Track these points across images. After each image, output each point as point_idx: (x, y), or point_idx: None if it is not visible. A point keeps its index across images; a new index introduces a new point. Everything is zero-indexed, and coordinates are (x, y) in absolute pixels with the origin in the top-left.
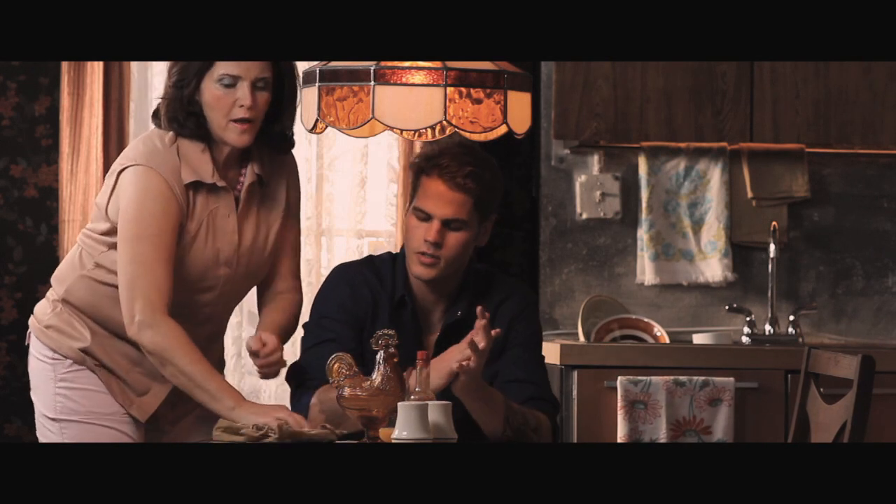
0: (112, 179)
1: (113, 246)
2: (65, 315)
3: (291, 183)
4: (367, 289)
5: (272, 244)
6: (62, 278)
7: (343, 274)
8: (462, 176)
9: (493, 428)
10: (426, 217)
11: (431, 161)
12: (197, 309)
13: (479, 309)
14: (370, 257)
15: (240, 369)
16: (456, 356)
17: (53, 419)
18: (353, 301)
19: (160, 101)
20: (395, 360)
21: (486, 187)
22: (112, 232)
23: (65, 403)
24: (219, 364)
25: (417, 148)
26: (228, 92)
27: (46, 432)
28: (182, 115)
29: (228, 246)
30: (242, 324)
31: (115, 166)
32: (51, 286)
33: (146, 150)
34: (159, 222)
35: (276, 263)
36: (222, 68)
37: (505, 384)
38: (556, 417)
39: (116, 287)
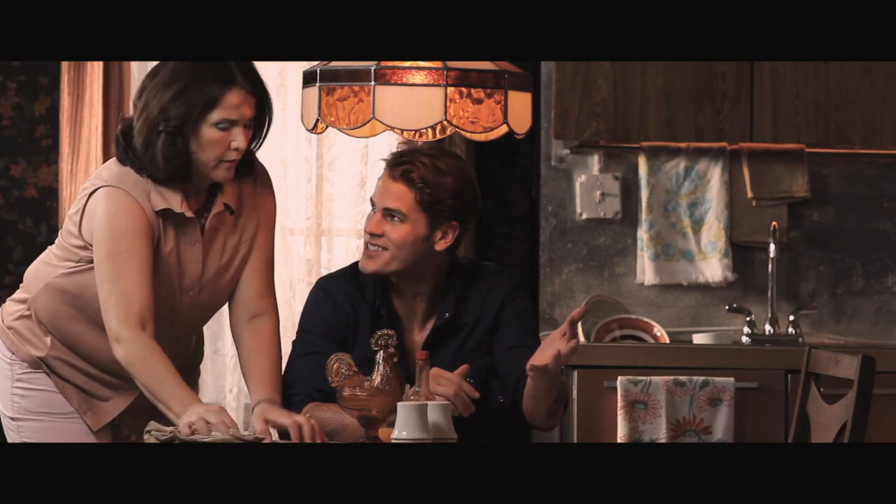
0: (83, 198)
1: (83, 261)
2: (29, 322)
3: (262, 199)
4: (348, 302)
5: (238, 269)
6: (30, 284)
7: (326, 287)
8: (403, 168)
9: (544, 408)
10: (372, 207)
11: (389, 157)
12: (161, 332)
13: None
14: (354, 266)
15: (240, 369)
16: (555, 345)
17: (11, 418)
18: (335, 315)
19: (136, 142)
20: (395, 360)
21: (435, 186)
22: (84, 248)
23: (21, 403)
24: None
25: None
26: (224, 135)
27: (9, 431)
28: (177, 165)
29: (191, 275)
30: None
31: (87, 185)
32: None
33: (119, 172)
34: (130, 239)
35: (247, 282)
36: (221, 112)
37: (507, 350)
38: None
39: (78, 297)
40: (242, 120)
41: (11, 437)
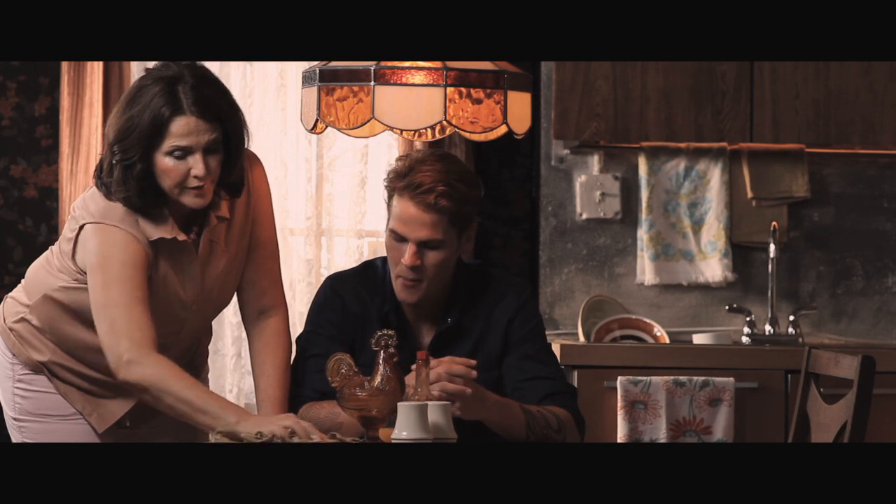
0: (74, 229)
1: (80, 281)
2: (30, 325)
3: (256, 195)
4: (357, 304)
5: (239, 270)
6: (31, 288)
7: (334, 286)
8: (434, 196)
9: (515, 439)
10: (402, 239)
11: (402, 180)
12: (167, 344)
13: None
14: (364, 266)
15: (240, 369)
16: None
17: (14, 418)
18: (343, 316)
19: (105, 175)
20: (395, 360)
21: (460, 201)
22: (80, 272)
23: (22, 405)
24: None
25: (418, 147)
26: (180, 163)
27: (11, 430)
28: (136, 194)
29: (192, 290)
30: (242, 324)
31: (77, 215)
32: (20, 283)
33: (105, 206)
34: (125, 267)
35: (251, 279)
36: (171, 141)
37: (516, 385)
38: (576, 405)
39: (76, 312)
40: (197, 147)
41: (14, 435)
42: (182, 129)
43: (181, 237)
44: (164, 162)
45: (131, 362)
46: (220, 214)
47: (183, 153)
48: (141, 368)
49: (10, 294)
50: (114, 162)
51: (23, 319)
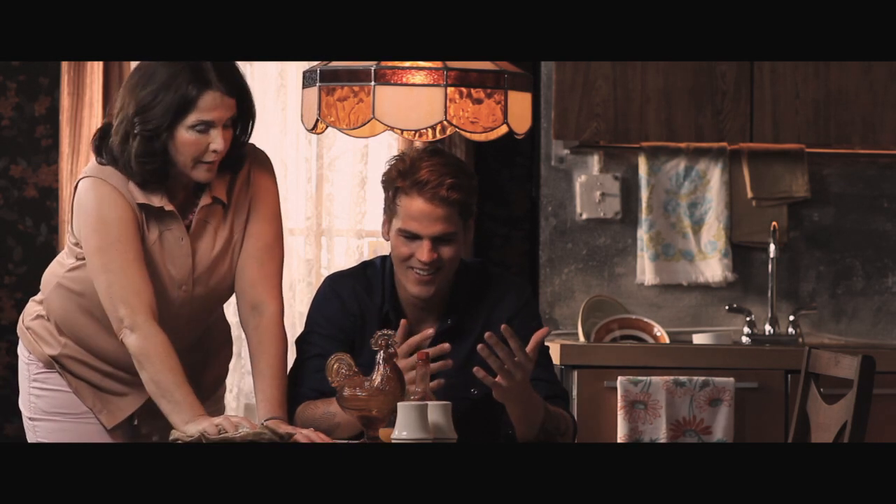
0: (73, 193)
1: (81, 258)
2: (44, 321)
3: (257, 186)
4: (356, 304)
5: (232, 261)
6: (45, 284)
7: (334, 286)
8: (445, 189)
9: (528, 432)
10: (414, 237)
11: (407, 179)
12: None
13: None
14: (363, 266)
15: (239, 369)
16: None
17: (29, 418)
18: (342, 315)
19: (116, 147)
20: (395, 359)
21: (467, 192)
22: (77, 245)
23: (37, 404)
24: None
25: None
26: (201, 137)
27: (28, 430)
28: (152, 168)
29: (181, 269)
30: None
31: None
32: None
33: (99, 163)
34: (119, 228)
35: (242, 271)
36: (197, 115)
37: None
38: (569, 409)
39: (82, 297)
40: (220, 122)
41: (30, 437)
42: (210, 103)
43: (168, 207)
44: (186, 136)
45: (129, 329)
46: (216, 195)
47: (206, 127)
48: (134, 336)
49: (32, 298)
50: (134, 132)
51: (38, 316)
